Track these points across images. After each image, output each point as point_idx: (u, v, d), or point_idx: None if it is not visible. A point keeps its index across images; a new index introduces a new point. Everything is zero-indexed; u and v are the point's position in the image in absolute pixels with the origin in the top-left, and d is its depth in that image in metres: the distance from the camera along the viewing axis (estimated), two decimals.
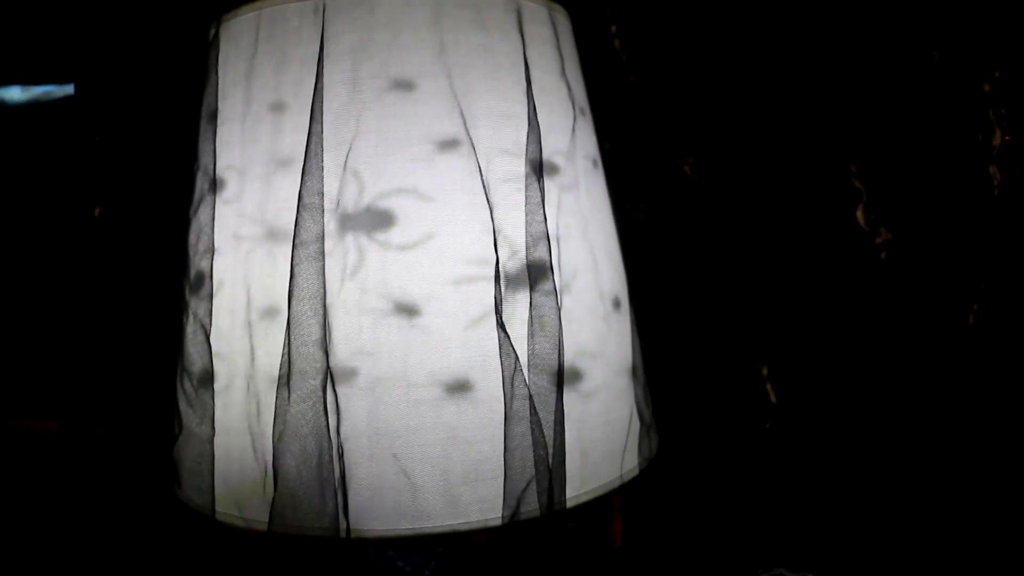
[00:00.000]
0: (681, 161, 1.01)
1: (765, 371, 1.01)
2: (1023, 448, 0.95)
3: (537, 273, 0.60)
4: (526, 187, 0.60)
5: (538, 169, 0.61)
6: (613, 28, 1.01)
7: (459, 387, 0.57)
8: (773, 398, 1.01)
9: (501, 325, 0.58)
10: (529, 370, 0.59)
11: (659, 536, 1.04)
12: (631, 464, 0.67)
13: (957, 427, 0.96)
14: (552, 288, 0.61)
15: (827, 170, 0.98)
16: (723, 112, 1.00)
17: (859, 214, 0.98)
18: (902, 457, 0.97)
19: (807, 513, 1.00)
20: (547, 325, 0.60)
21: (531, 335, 0.59)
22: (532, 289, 0.60)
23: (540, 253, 0.60)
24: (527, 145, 0.61)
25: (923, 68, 0.96)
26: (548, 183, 0.62)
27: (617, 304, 0.68)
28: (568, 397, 0.61)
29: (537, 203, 0.61)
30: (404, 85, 0.59)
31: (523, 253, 0.60)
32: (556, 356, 0.60)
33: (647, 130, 1.01)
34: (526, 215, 0.60)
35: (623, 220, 0.98)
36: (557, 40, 0.67)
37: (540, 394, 0.59)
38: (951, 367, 0.97)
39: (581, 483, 0.62)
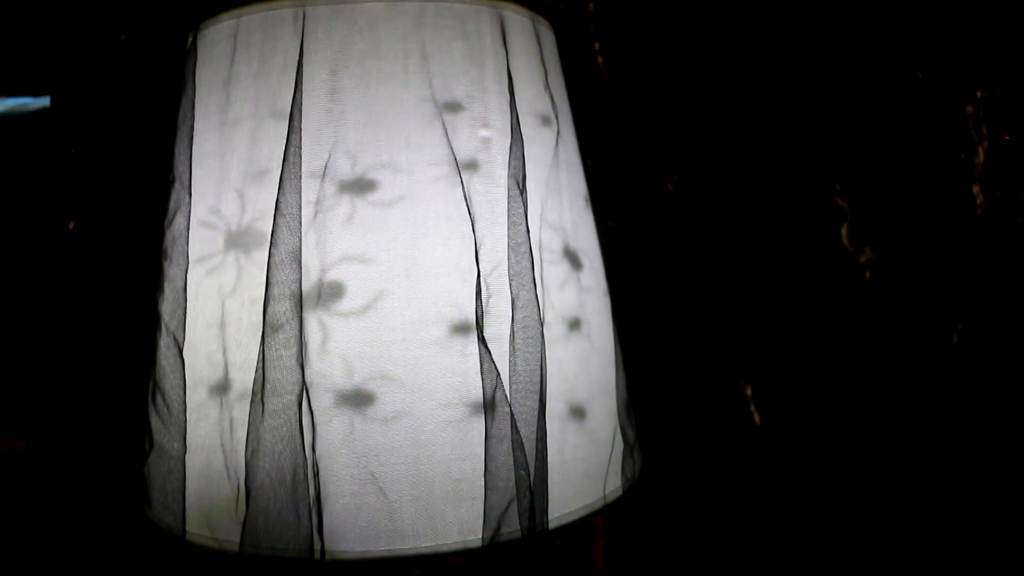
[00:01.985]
0: (665, 179, 1.00)
1: (749, 391, 1.00)
2: (1007, 467, 0.94)
3: (520, 289, 0.59)
4: (508, 200, 0.59)
5: (521, 182, 0.60)
6: (596, 45, 1.00)
7: (439, 405, 0.56)
8: (757, 419, 1.00)
9: (483, 341, 0.57)
10: (511, 388, 0.57)
11: (642, 560, 1.03)
12: (614, 485, 0.66)
13: (942, 447, 0.96)
14: (535, 305, 0.59)
15: (811, 189, 0.98)
16: (707, 130, 1.00)
17: (843, 233, 0.98)
18: (888, 477, 0.97)
19: (793, 535, 0.99)
20: (529, 343, 0.59)
21: (513, 352, 0.58)
22: (515, 306, 0.58)
23: (522, 268, 0.59)
24: (510, 158, 0.60)
25: (906, 87, 0.97)
26: (532, 196, 0.61)
27: (597, 325, 0.67)
28: (550, 416, 0.60)
29: (520, 216, 0.60)
30: (385, 95, 0.58)
31: (505, 267, 0.58)
32: (538, 375, 0.59)
33: (631, 147, 1.01)
34: (508, 229, 0.59)
35: (607, 237, 0.98)
36: (541, 52, 0.67)
37: (522, 413, 0.58)
38: (935, 387, 0.96)
39: (563, 504, 0.61)
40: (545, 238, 0.62)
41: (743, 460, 1.00)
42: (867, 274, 0.97)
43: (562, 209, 0.65)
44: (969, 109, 0.96)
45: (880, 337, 0.97)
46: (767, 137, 0.98)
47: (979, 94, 0.96)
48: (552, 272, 0.62)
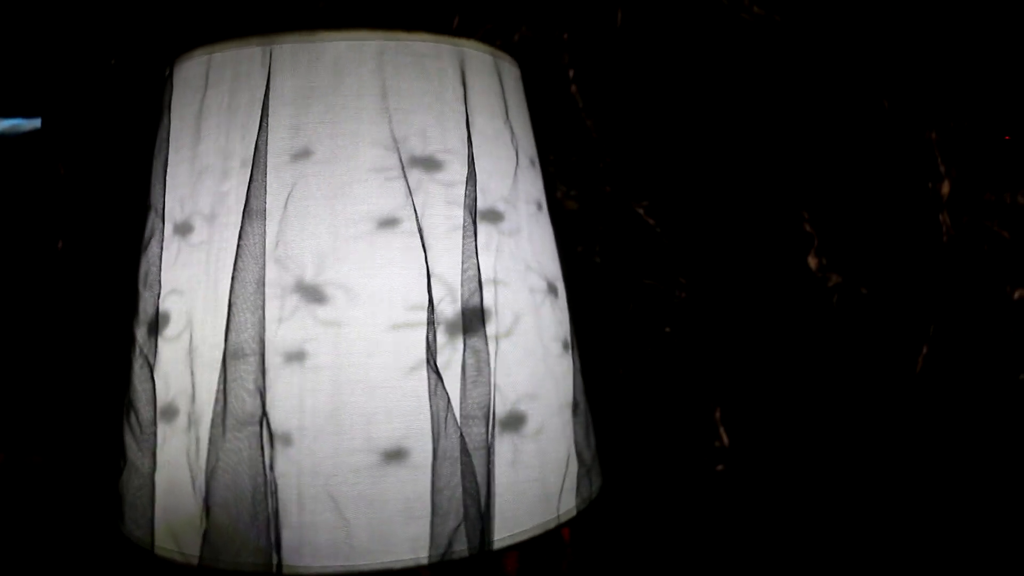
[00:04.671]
0: (636, 204, 1.03)
1: (718, 413, 1.02)
2: (970, 487, 0.96)
3: (472, 318, 0.61)
4: (463, 232, 0.62)
5: (474, 214, 0.63)
6: (571, 73, 1.03)
7: (394, 429, 0.58)
8: (726, 440, 1.02)
9: (434, 368, 0.59)
10: (460, 411, 0.60)
11: None
12: (568, 505, 0.68)
13: (906, 468, 0.97)
14: (487, 333, 0.62)
15: (779, 215, 1.00)
16: (678, 157, 1.02)
17: (811, 259, 1.00)
18: (853, 500, 0.98)
19: (758, 556, 1.00)
20: (481, 369, 0.61)
21: (464, 378, 0.60)
22: (467, 334, 0.61)
23: (475, 299, 0.62)
24: (465, 190, 0.63)
25: (873, 116, 0.99)
26: (488, 228, 0.64)
27: (556, 348, 0.69)
28: (500, 438, 0.62)
29: (472, 249, 0.62)
30: (347, 131, 0.60)
31: (459, 297, 0.61)
32: (488, 398, 0.61)
33: (603, 174, 1.03)
34: (462, 260, 0.61)
35: (578, 263, 1.00)
36: (502, 88, 0.69)
37: (471, 435, 0.60)
38: (900, 409, 0.98)
39: (515, 523, 0.63)
40: (500, 267, 0.64)
41: (711, 481, 1.02)
42: (834, 298, 1.00)
43: (519, 238, 0.67)
44: (934, 136, 0.98)
45: (847, 361, 0.99)
46: (737, 163, 1.01)
47: (948, 123, 0.98)
48: (507, 298, 0.64)
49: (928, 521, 0.97)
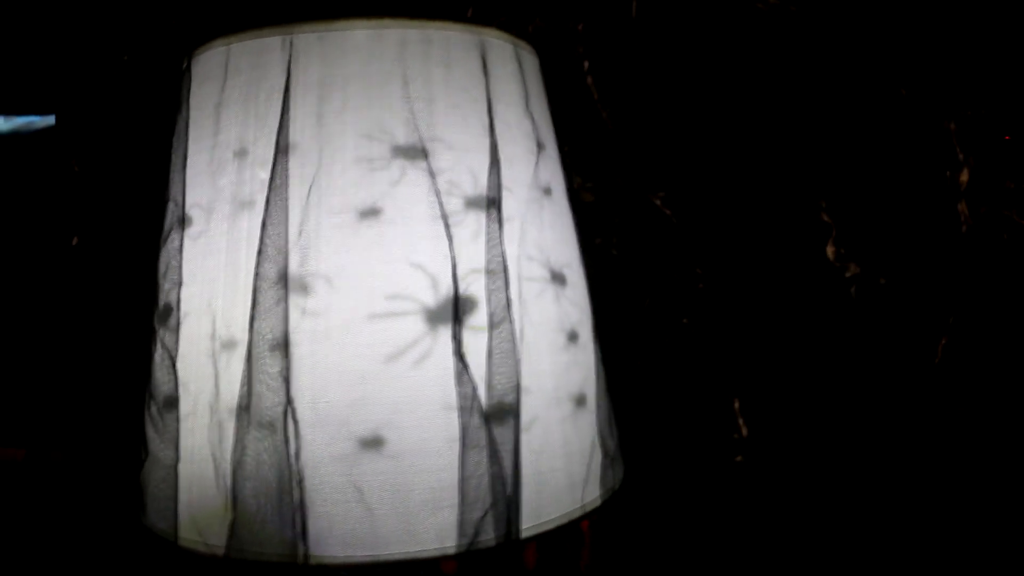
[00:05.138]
0: (652, 195, 1.03)
1: (737, 404, 1.01)
2: (990, 479, 0.96)
3: (496, 305, 0.61)
4: (486, 220, 0.62)
5: (498, 203, 0.62)
6: (586, 64, 1.03)
7: (419, 418, 0.58)
8: (745, 431, 1.01)
9: (459, 354, 0.59)
10: (487, 399, 0.59)
11: (630, 570, 1.04)
12: (593, 495, 0.68)
13: (926, 460, 0.97)
14: (510, 318, 0.61)
15: (797, 205, 1.00)
16: (694, 147, 1.01)
17: (829, 249, 0.99)
18: (872, 491, 0.98)
19: (779, 547, 1.00)
20: (504, 355, 0.61)
21: (489, 365, 0.60)
22: (491, 320, 0.61)
23: (499, 285, 0.61)
24: (488, 178, 0.62)
25: (891, 105, 0.98)
26: (510, 215, 0.64)
27: (577, 336, 0.69)
28: (527, 427, 0.62)
29: (496, 236, 0.62)
30: (369, 118, 0.60)
31: (482, 284, 0.61)
32: (514, 386, 0.61)
33: (619, 165, 1.03)
34: (486, 247, 0.61)
35: (596, 253, 1.00)
36: (522, 76, 0.69)
37: (498, 423, 0.60)
38: (920, 401, 0.97)
39: (540, 512, 0.63)
40: (524, 255, 0.64)
41: (731, 471, 1.01)
42: (852, 289, 0.99)
43: (542, 227, 0.67)
44: (953, 127, 0.98)
45: (865, 352, 0.99)
46: (753, 154, 1.00)
47: (966, 112, 0.97)
48: (531, 288, 0.64)
49: (949, 512, 0.96)
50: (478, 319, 0.60)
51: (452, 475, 0.58)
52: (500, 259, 0.62)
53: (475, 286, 0.60)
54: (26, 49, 1.12)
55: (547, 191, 0.69)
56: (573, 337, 0.68)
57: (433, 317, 0.59)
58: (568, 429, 0.65)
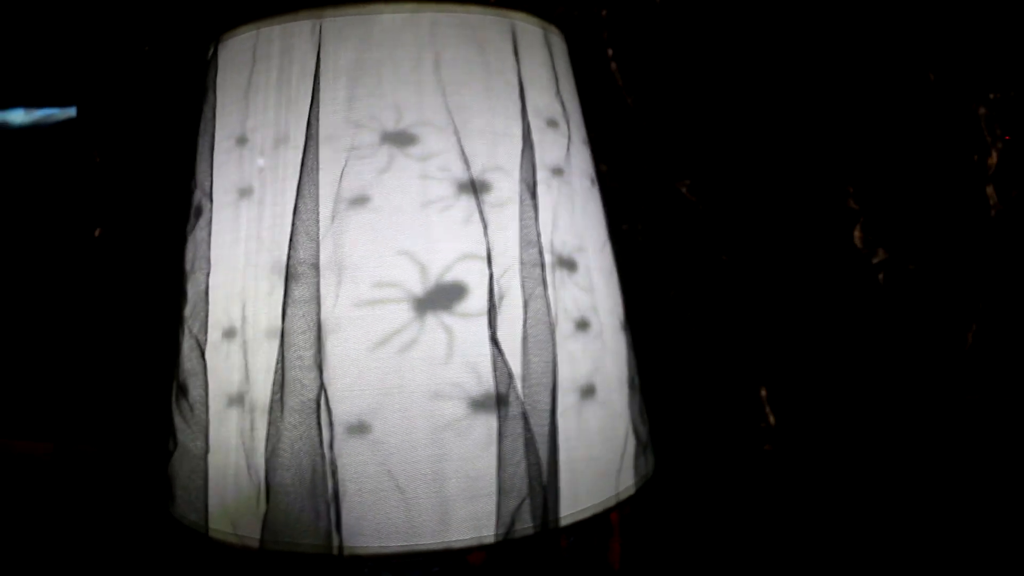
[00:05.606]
0: (678, 182, 1.02)
1: (764, 392, 1.00)
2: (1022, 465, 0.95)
3: (531, 290, 0.60)
4: (520, 205, 0.61)
5: (532, 187, 0.62)
6: (610, 51, 1.01)
7: (455, 405, 0.57)
8: (772, 420, 1.00)
9: (495, 341, 0.58)
10: (523, 386, 0.59)
11: (658, 560, 1.03)
12: (627, 482, 0.67)
13: (957, 447, 0.96)
14: (546, 306, 0.61)
15: (824, 191, 0.99)
16: (720, 133, 1.00)
17: (856, 235, 0.98)
18: (902, 478, 0.97)
19: (807, 536, 0.99)
20: (541, 343, 0.60)
21: (525, 352, 0.59)
22: (527, 306, 0.60)
23: (533, 270, 0.60)
24: (521, 163, 0.61)
25: (919, 89, 0.97)
26: (543, 201, 0.63)
27: (610, 325, 0.68)
28: (562, 414, 0.61)
29: (531, 221, 0.61)
30: (399, 103, 0.59)
31: (516, 269, 0.60)
32: (550, 374, 0.60)
33: (644, 152, 1.02)
34: (520, 232, 0.60)
35: (621, 240, 0.99)
36: (552, 60, 0.68)
37: (534, 411, 0.59)
38: (950, 388, 0.96)
39: (576, 501, 0.62)
40: (557, 241, 0.63)
41: (758, 461, 1.01)
42: (880, 275, 0.98)
43: (573, 213, 0.66)
44: (982, 111, 0.96)
45: (894, 338, 0.98)
46: (779, 139, 0.99)
47: (992, 96, 0.96)
48: (563, 274, 0.63)
49: (981, 501, 0.95)
50: (513, 306, 0.59)
51: (489, 463, 0.57)
52: (536, 244, 0.61)
53: (510, 273, 0.60)
54: (46, 42, 1.12)
55: (576, 176, 0.68)
56: (605, 326, 0.67)
57: (473, 306, 0.58)
58: (602, 417, 0.64)
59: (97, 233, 1.09)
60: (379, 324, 0.57)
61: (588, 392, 0.63)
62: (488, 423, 0.58)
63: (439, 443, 0.57)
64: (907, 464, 0.97)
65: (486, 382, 0.58)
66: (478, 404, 0.58)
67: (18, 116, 1.15)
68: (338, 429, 0.57)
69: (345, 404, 0.57)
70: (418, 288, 0.57)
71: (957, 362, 0.96)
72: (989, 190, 0.97)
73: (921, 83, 0.97)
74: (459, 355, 0.57)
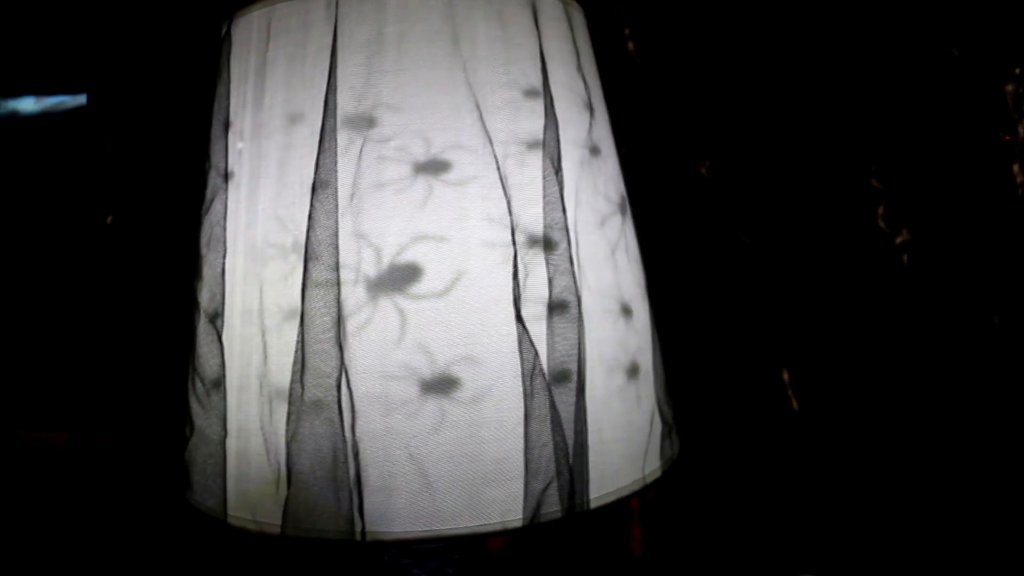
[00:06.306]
0: (698, 163, 1.00)
1: (786, 376, 0.99)
2: None
3: (556, 269, 0.59)
4: (543, 181, 0.59)
5: (556, 163, 0.60)
6: (627, 31, 1.00)
7: (479, 388, 0.56)
8: (795, 404, 0.99)
9: (520, 320, 0.57)
10: (549, 368, 0.57)
11: (679, 546, 1.02)
12: (653, 466, 0.66)
13: (985, 430, 0.94)
14: (572, 285, 0.59)
15: (846, 171, 0.97)
16: (740, 114, 0.99)
17: (879, 214, 0.97)
18: (927, 462, 0.95)
19: (831, 520, 0.98)
20: (567, 323, 0.58)
21: (551, 332, 0.58)
22: (551, 286, 0.58)
23: (559, 249, 0.59)
24: (544, 139, 0.60)
25: (942, 66, 0.95)
26: (565, 177, 0.61)
27: (634, 306, 0.66)
28: (588, 396, 0.59)
29: (555, 197, 0.59)
30: (419, 79, 0.58)
31: (540, 247, 0.58)
32: (576, 355, 0.59)
33: (663, 133, 1.00)
34: (544, 209, 0.59)
35: (641, 222, 0.97)
36: (573, 35, 0.66)
37: (560, 393, 0.58)
38: (978, 369, 0.95)
39: (603, 484, 0.60)
40: (581, 218, 0.62)
41: (781, 445, 0.99)
42: (904, 256, 0.96)
43: (596, 190, 0.64)
44: (1009, 87, 0.94)
45: (919, 320, 0.96)
46: (800, 119, 0.98)
47: (1018, 71, 0.94)
48: (589, 252, 0.62)
49: (1008, 482, 0.94)
50: (537, 287, 0.58)
51: (516, 445, 0.56)
52: (562, 222, 0.59)
53: (533, 250, 0.58)
54: (55, 29, 1.11)
55: (598, 153, 0.67)
56: (629, 306, 0.66)
57: (500, 283, 0.57)
58: (628, 399, 0.63)
59: (109, 220, 1.08)
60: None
61: (613, 373, 0.62)
62: (514, 404, 0.56)
63: (463, 424, 0.56)
64: (933, 447, 0.95)
65: (511, 363, 0.56)
66: (503, 386, 0.56)
67: (28, 104, 1.14)
68: (360, 412, 0.55)
69: (367, 386, 0.55)
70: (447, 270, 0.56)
71: (984, 343, 0.95)
72: (1015, 168, 0.95)
73: (945, 59, 0.95)
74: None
